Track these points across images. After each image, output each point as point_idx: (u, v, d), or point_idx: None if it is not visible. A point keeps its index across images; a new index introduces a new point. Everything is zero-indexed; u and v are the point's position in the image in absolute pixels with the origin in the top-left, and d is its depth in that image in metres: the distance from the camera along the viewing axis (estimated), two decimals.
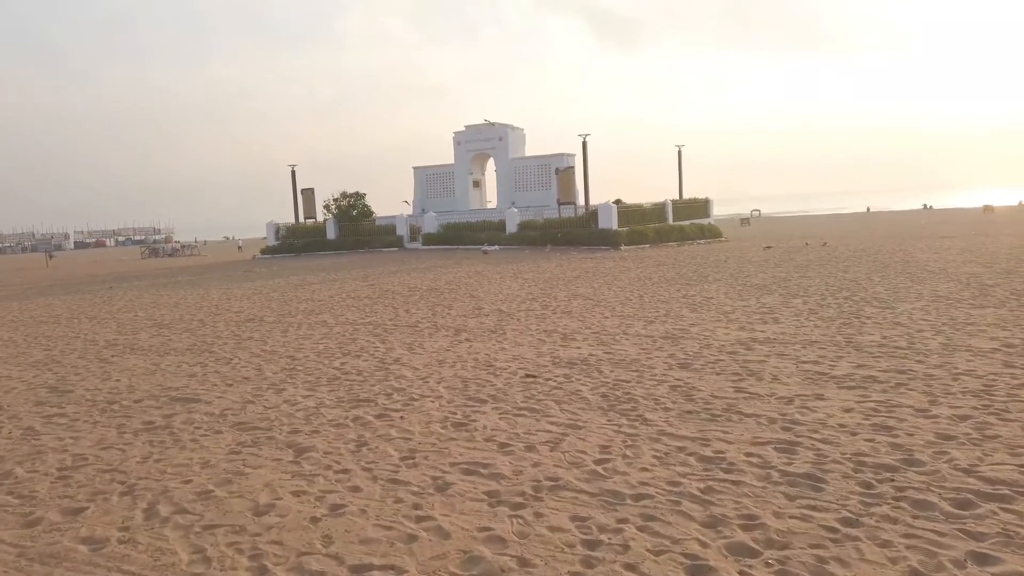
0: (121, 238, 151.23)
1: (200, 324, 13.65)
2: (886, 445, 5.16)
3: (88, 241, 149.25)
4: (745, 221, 74.86)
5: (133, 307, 17.70)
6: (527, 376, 7.93)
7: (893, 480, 4.52)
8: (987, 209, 64.28)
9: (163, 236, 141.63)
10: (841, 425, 5.68)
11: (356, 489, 4.76)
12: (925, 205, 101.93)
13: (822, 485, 4.50)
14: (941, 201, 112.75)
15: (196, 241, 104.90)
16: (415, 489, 4.71)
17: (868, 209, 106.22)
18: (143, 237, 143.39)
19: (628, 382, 7.46)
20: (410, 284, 20.10)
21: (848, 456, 4.98)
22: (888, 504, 4.18)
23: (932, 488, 4.36)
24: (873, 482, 4.51)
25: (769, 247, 29.43)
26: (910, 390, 6.64)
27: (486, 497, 4.54)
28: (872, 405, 6.21)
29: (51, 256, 63.48)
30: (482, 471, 4.99)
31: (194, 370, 9.14)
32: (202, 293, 20.69)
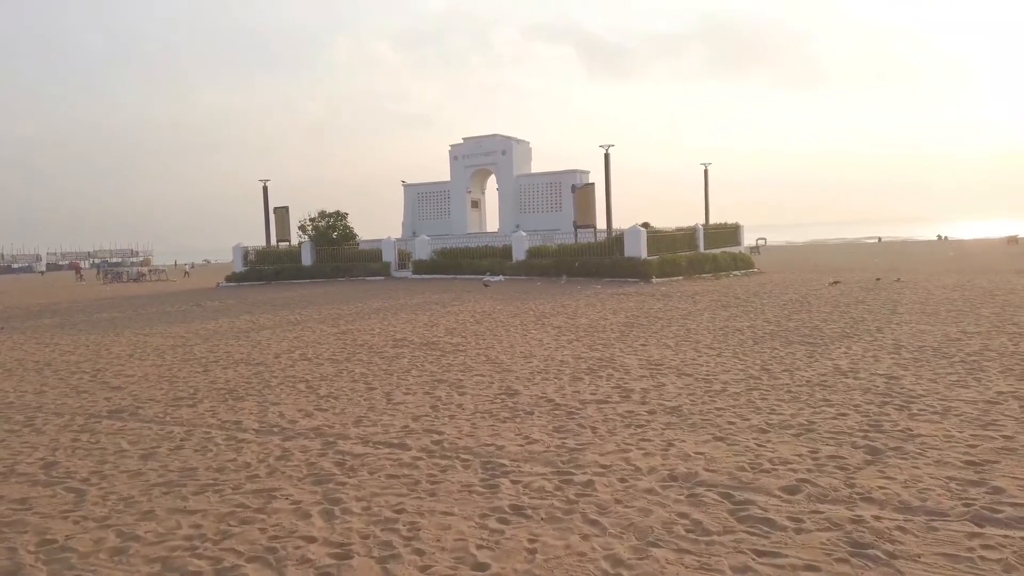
0: (97, 260, 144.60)
1: (6, 436, 7.62)
2: None
3: (62, 263, 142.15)
4: (754, 250, 70.15)
5: None
6: None
7: None
8: (1012, 241, 59.33)
9: (140, 259, 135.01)
10: None
11: None
12: (939, 236, 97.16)
13: None
14: (934, 231, 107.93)
15: (176, 264, 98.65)
16: None
17: (880, 239, 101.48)
18: (120, 260, 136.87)
19: None
20: (396, 333, 14.29)
21: None
22: None
23: None
24: None
25: (837, 282, 23.94)
26: None
27: None
28: None
29: None
30: None
31: None
32: (107, 343, 14.80)
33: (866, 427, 6.45)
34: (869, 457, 5.60)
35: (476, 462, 5.73)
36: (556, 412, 7.36)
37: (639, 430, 6.57)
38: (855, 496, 4.78)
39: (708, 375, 9.08)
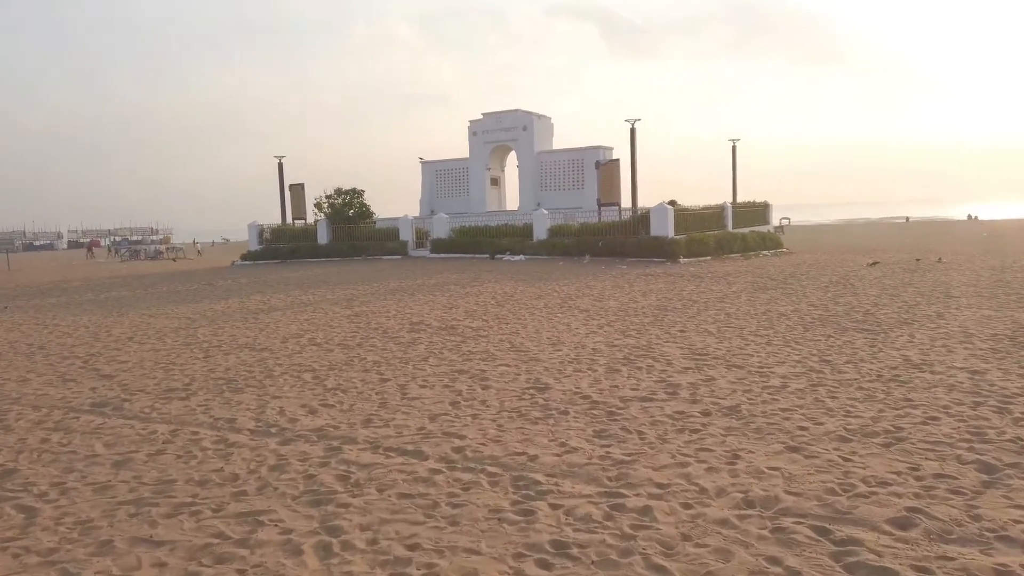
0: (117, 238, 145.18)
1: None
2: None
3: (83, 241, 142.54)
4: (778, 229, 68.69)
5: None
6: None
7: None
8: None
9: (160, 237, 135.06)
10: None
11: None
12: (969, 215, 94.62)
13: None
14: (961, 211, 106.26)
15: (195, 243, 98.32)
16: None
17: (907, 219, 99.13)
18: (140, 238, 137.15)
19: None
20: (413, 315, 13.39)
21: None
22: None
23: None
24: None
25: (876, 263, 22.73)
26: None
27: None
28: None
29: None
30: None
31: None
32: (109, 324, 14.02)
33: (966, 435, 5.43)
34: (985, 476, 4.59)
35: (506, 477, 4.79)
36: (594, 412, 6.40)
37: (695, 436, 5.59)
38: (987, 533, 3.78)
39: (762, 367, 8.07)
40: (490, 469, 4.95)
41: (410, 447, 5.51)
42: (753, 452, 5.18)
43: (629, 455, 5.18)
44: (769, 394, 6.86)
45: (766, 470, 4.80)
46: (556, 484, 4.64)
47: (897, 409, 6.21)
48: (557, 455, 5.23)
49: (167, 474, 5.05)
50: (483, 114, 38.53)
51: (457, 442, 5.60)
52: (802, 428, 5.73)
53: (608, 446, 5.41)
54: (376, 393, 7.36)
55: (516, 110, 37.55)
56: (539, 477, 4.77)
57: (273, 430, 6.11)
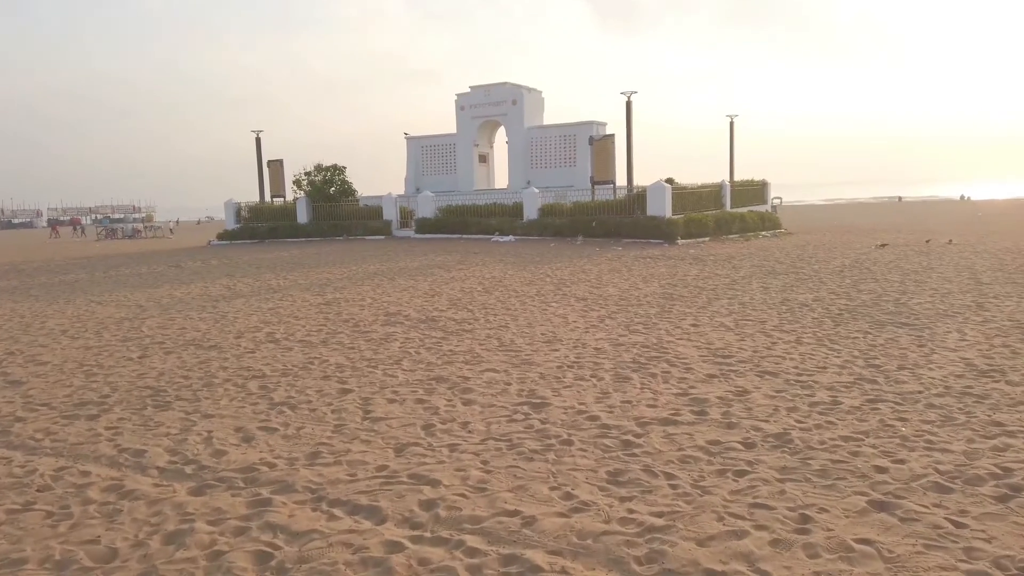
0: (99, 216, 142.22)
1: None
2: None
3: (63, 219, 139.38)
4: (774, 209, 67.60)
5: None
6: None
7: None
8: None
9: (143, 215, 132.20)
10: None
11: None
12: (962, 196, 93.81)
13: None
14: (949, 191, 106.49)
15: (178, 222, 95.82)
16: None
17: (900, 199, 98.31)
18: (122, 216, 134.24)
19: None
20: (390, 304, 11.95)
21: None
22: None
23: None
24: None
25: (885, 244, 21.54)
26: None
27: None
28: None
29: None
30: None
31: None
32: (49, 313, 12.50)
33: None
34: None
35: (491, 558, 3.40)
36: (605, 441, 5.01)
37: (743, 482, 4.23)
38: None
39: (800, 374, 6.71)
40: (470, 542, 3.56)
41: (364, 500, 4.11)
42: (827, 511, 3.82)
43: (660, 515, 3.81)
44: (820, 414, 5.50)
45: (854, 544, 3.44)
46: (563, 571, 3.26)
47: (991, 438, 4.87)
48: (562, 514, 3.85)
49: (18, 548, 3.62)
50: (471, 87, 36.80)
51: (428, 491, 4.20)
52: (880, 469, 4.38)
53: (629, 498, 4.03)
54: (332, 411, 5.95)
55: (505, 83, 35.85)
56: (538, 558, 3.38)
57: (189, 469, 4.69)
